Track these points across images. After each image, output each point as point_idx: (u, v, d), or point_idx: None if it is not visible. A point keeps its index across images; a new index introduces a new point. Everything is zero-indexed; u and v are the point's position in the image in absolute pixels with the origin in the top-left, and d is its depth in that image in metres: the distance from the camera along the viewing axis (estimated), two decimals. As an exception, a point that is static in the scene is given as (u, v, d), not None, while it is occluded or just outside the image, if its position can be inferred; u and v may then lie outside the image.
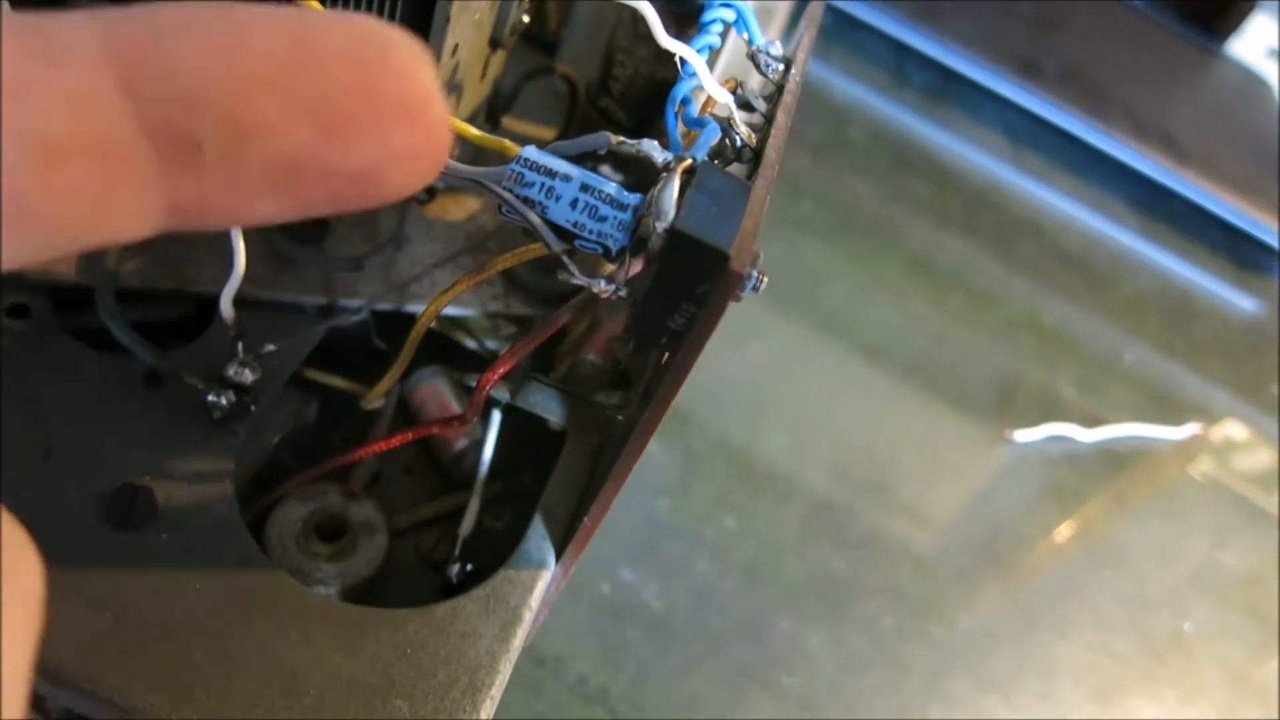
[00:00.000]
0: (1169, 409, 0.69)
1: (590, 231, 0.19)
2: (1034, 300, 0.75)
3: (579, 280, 0.19)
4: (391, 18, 0.24)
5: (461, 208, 0.32)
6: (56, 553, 0.21)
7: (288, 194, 0.12)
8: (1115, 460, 0.64)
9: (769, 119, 0.23)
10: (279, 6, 0.12)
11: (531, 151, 0.19)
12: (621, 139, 0.20)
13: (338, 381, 0.28)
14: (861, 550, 0.51)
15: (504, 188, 0.19)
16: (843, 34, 0.91)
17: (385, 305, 0.29)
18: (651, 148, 0.19)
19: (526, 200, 0.19)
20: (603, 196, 0.19)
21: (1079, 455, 0.63)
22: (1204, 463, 0.67)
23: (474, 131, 0.22)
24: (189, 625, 0.21)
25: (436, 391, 0.29)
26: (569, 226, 0.19)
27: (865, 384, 0.62)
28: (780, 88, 0.25)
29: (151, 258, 0.27)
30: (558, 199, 0.19)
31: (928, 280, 0.73)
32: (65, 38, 0.11)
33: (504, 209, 0.19)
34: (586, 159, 0.21)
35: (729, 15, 0.26)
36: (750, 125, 0.24)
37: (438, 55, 0.24)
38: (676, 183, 0.18)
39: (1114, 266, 0.82)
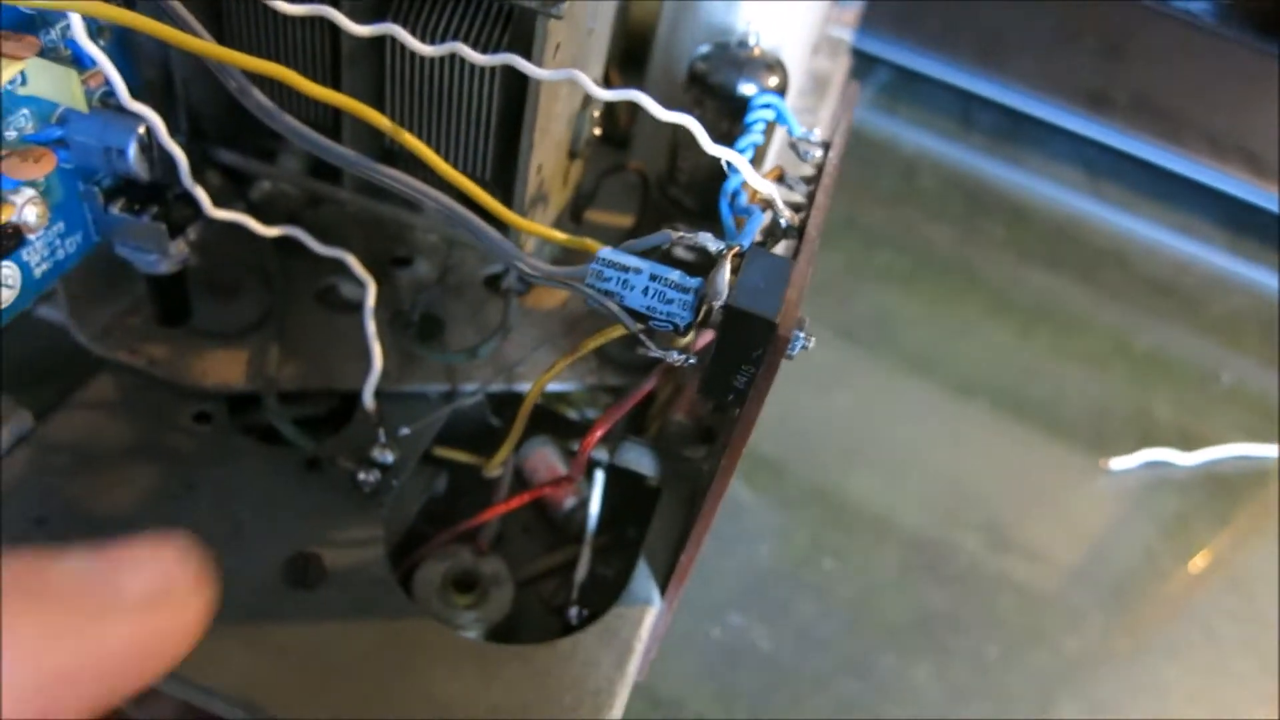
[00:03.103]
0: (1273, 426, 0.69)
1: (660, 312, 0.23)
2: (1123, 328, 0.75)
3: (655, 353, 0.23)
4: (482, 142, 0.29)
5: (554, 296, 0.37)
6: (248, 610, 0.26)
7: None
8: (1219, 481, 0.64)
9: (810, 199, 0.27)
10: None
11: (607, 252, 0.23)
12: (681, 234, 0.24)
13: (462, 456, 0.32)
14: (960, 584, 0.53)
15: (587, 284, 0.23)
16: (906, 88, 0.95)
17: (497, 387, 0.33)
18: (706, 239, 0.23)
19: (606, 293, 0.23)
20: (669, 283, 0.23)
21: (1180, 479, 0.63)
22: (1314, 477, 0.66)
23: (560, 236, 0.26)
24: (356, 666, 0.25)
25: (545, 458, 0.33)
26: (644, 310, 0.23)
27: (954, 422, 0.64)
28: (820, 170, 0.29)
29: (304, 364, 0.32)
30: (631, 288, 0.23)
31: (1011, 316, 0.74)
32: None
33: (589, 300, 0.23)
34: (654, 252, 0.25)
35: (769, 115, 0.30)
36: (795, 205, 0.28)
37: (525, 175, 0.29)
38: (728, 267, 0.22)
39: (1205, 287, 0.82)
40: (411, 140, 0.25)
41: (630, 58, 0.47)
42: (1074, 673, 0.50)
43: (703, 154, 0.37)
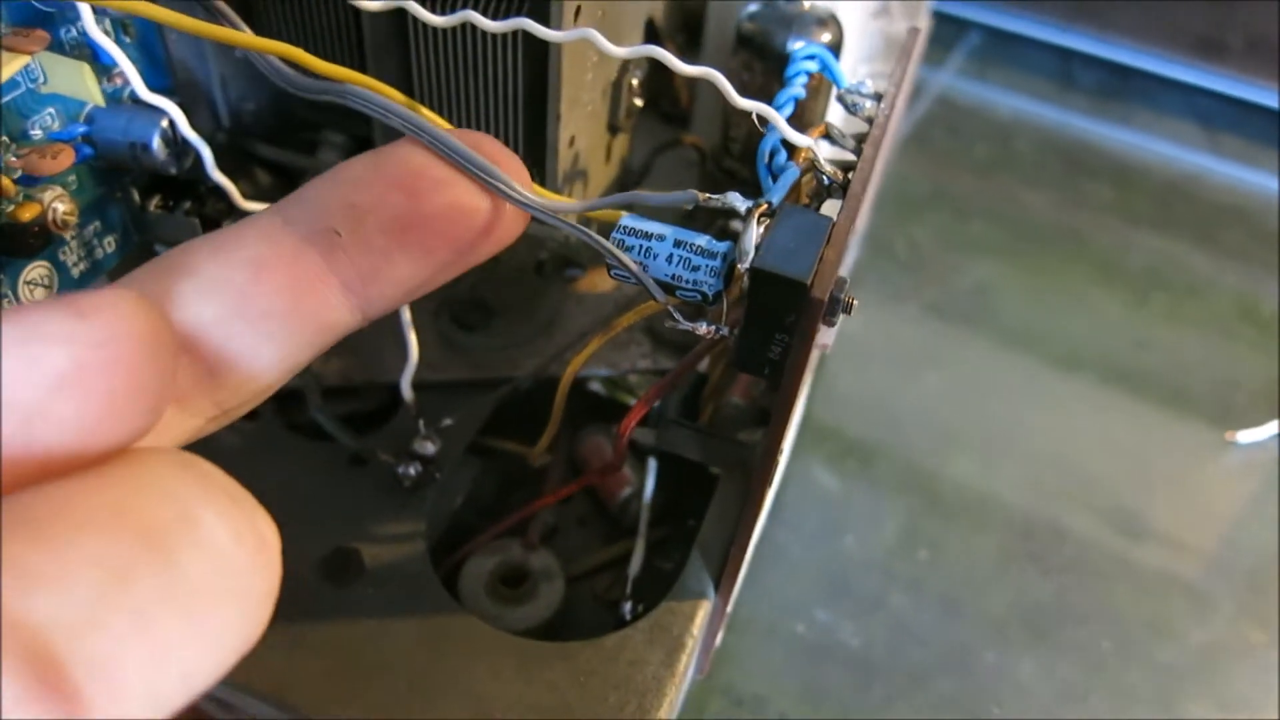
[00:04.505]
0: None
1: (687, 281, 0.21)
2: (1247, 290, 0.69)
3: (684, 326, 0.21)
4: (511, 118, 0.28)
5: (608, 280, 0.35)
6: (283, 607, 0.25)
7: (409, 246, 0.18)
8: (1365, 453, 0.58)
9: (858, 154, 0.25)
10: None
11: (628, 219, 0.22)
12: (709, 195, 0.22)
13: (509, 445, 0.31)
14: (1069, 574, 0.49)
15: (607, 243, 0.21)
16: (998, 50, 0.89)
17: (545, 375, 0.32)
18: (734, 199, 0.21)
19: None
20: (694, 249, 0.21)
21: (1319, 451, 0.58)
22: None
23: (573, 202, 0.24)
24: (394, 664, 0.24)
25: (599, 446, 0.32)
26: (669, 280, 0.21)
27: (1060, 398, 0.60)
28: (871, 123, 0.26)
29: (347, 359, 0.32)
30: (655, 257, 0.21)
31: (1121, 284, 0.69)
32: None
33: (612, 271, 0.22)
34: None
35: (813, 65, 0.28)
36: (845, 165, 0.25)
37: (555, 149, 0.27)
38: (754, 225, 0.20)
39: (1341, 241, 0.75)
40: (429, 114, 0.24)
41: (688, 29, 0.45)
42: (1201, 668, 0.46)
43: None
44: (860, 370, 0.60)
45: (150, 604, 0.11)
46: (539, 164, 0.28)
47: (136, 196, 0.28)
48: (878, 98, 0.28)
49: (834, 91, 0.35)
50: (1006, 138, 0.81)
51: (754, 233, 0.20)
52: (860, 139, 0.26)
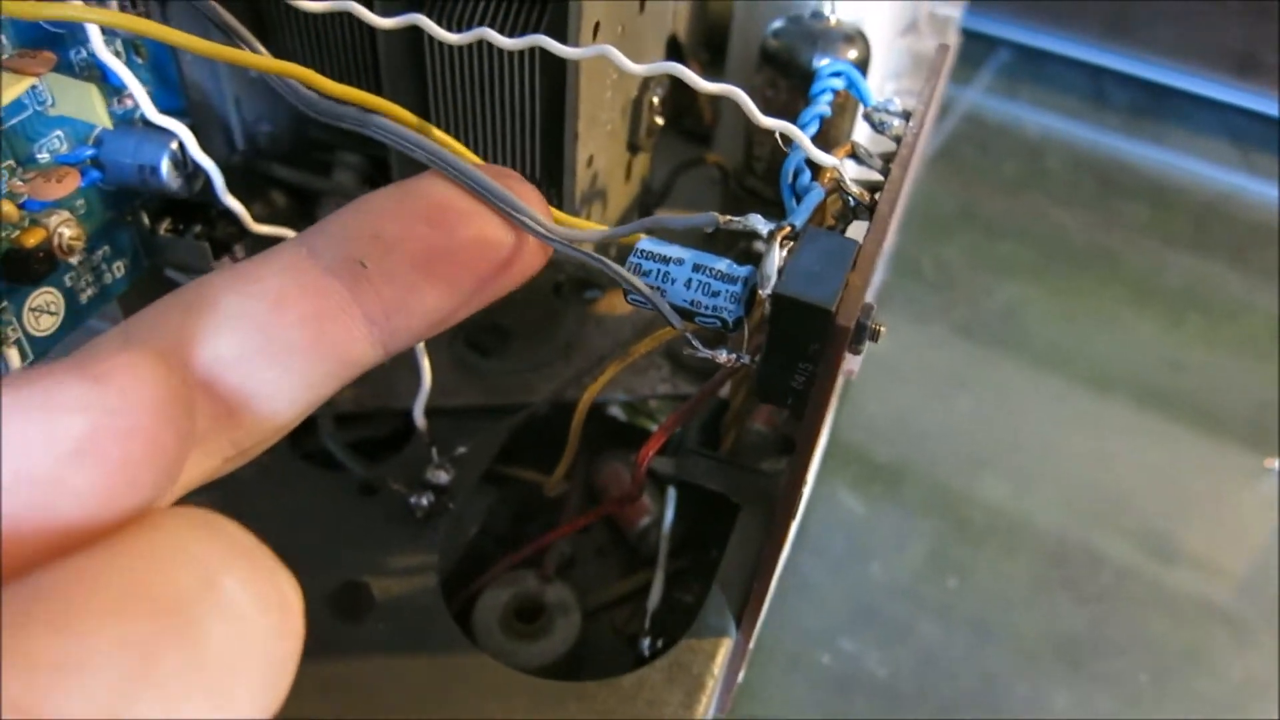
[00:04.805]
0: None
1: (706, 307, 0.20)
2: (1285, 311, 0.68)
3: (703, 354, 0.20)
4: (529, 137, 0.27)
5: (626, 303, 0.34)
6: (295, 646, 0.24)
7: (436, 278, 0.17)
8: None
9: (885, 174, 0.24)
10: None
11: (646, 243, 0.21)
12: (729, 218, 0.21)
13: (525, 473, 0.30)
14: (1104, 602, 0.47)
15: (625, 271, 0.21)
16: (1028, 67, 0.88)
17: (562, 400, 0.31)
18: (756, 221, 0.20)
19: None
20: (714, 273, 0.20)
21: (1363, 478, 0.56)
22: None
23: (596, 226, 0.24)
24: (399, 704, 0.23)
25: (617, 473, 0.31)
26: (687, 305, 0.20)
27: (1092, 420, 0.59)
28: (899, 142, 0.25)
29: (360, 384, 0.31)
30: (673, 282, 0.20)
31: (1156, 305, 0.68)
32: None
33: (629, 296, 0.21)
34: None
35: (839, 83, 0.27)
36: (872, 185, 0.24)
37: (573, 169, 0.27)
38: (776, 249, 0.19)
39: (1383, 262, 0.73)
40: (441, 136, 0.23)
41: (712, 47, 0.44)
42: (1241, 702, 0.44)
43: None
44: (887, 392, 0.59)
45: (175, 682, 0.11)
46: (556, 184, 0.28)
47: (146, 220, 0.27)
48: (906, 116, 0.27)
49: (860, 110, 0.34)
50: (1037, 156, 0.79)
51: (776, 257, 0.19)
52: (888, 158, 0.25)
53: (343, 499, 0.28)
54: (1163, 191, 0.78)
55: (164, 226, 0.27)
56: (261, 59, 0.22)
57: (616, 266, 0.21)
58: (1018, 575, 0.48)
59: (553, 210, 0.24)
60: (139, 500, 0.12)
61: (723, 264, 0.20)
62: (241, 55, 0.22)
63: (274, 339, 0.16)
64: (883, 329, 0.20)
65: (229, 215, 0.27)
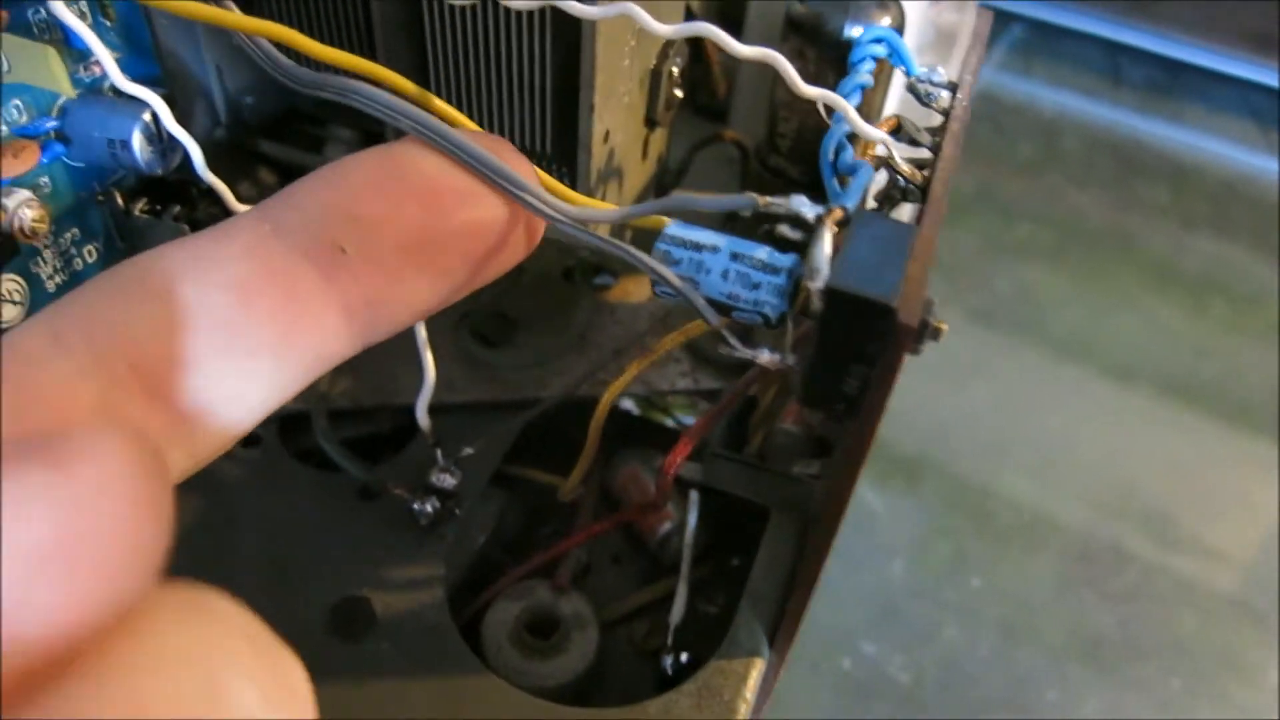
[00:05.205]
0: None
1: (746, 301, 0.18)
2: (1311, 296, 0.66)
3: (742, 353, 0.18)
4: (539, 110, 0.25)
5: (642, 288, 0.32)
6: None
7: (425, 265, 0.15)
8: None
9: (936, 151, 0.22)
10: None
11: (675, 228, 0.19)
12: (769, 199, 0.19)
13: (538, 475, 0.28)
14: (1133, 602, 0.45)
15: (651, 260, 0.18)
16: (1043, 43, 0.86)
17: (576, 395, 0.29)
18: (800, 203, 0.18)
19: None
20: (754, 263, 0.18)
21: (1396, 468, 0.54)
22: None
23: (612, 208, 0.21)
24: (406, 734, 0.21)
25: (636, 475, 0.29)
26: (724, 299, 0.18)
27: (1116, 410, 0.57)
28: (946, 115, 0.23)
29: (358, 379, 0.29)
30: (708, 272, 0.18)
31: (1177, 289, 0.66)
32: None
33: (657, 288, 0.19)
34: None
35: (880, 50, 0.24)
36: (916, 162, 0.22)
37: (588, 144, 0.24)
38: (828, 236, 0.17)
39: None
40: (442, 106, 0.21)
41: (727, 18, 0.42)
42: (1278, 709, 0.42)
43: (808, 113, 0.33)
44: (903, 380, 0.56)
45: None
46: (569, 161, 0.25)
47: (120, 200, 0.25)
48: (952, 88, 0.24)
49: (899, 79, 0.32)
50: (1053, 136, 0.77)
51: (827, 245, 0.17)
52: (935, 132, 0.23)
53: (340, 504, 0.26)
54: (1183, 171, 0.76)
55: (139, 207, 0.25)
56: (234, 16, 0.20)
57: (643, 255, 0.18)
58: (1042, 573, 0.46)
59: (564, 189, 0.21)
60: (120, 604, 0.10)
61: (762, 252, 0.18)
62: (217, 13, 0.20)
63: (237, 337, 0.14)
64: (945, 327, 0.18)
65: (211, 194, 0.24)
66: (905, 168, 0.21)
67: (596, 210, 0.19)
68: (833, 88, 0.31)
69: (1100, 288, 0.65)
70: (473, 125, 0.21)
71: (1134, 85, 0.83)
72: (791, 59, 0.31)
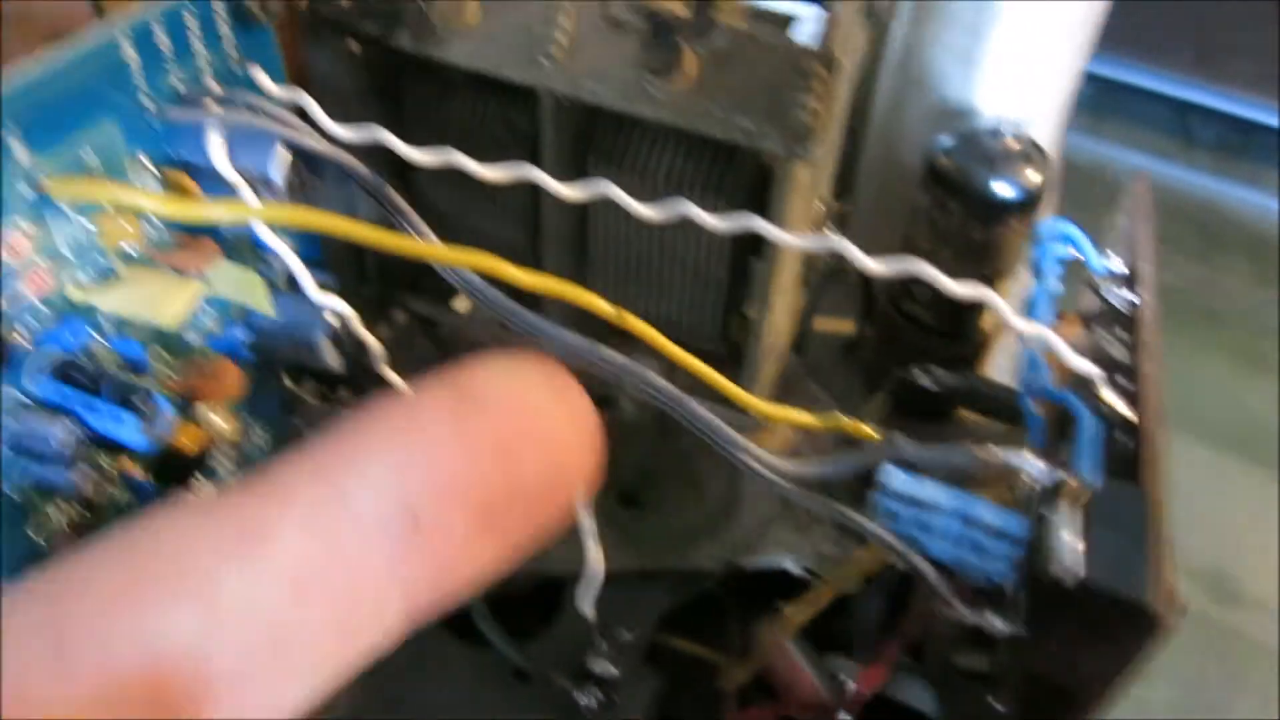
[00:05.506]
0: None
1: (973, 566, 0.18)
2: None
3: (974, 620, 0.18)
4: (709, 307, 0.25)
5: (775, 438, 0.32)
6: None
7: (491, 530, 0.14)
8: None
9: (1133, 373, 0.21)
10: None
11: (897, 480, 0.18)
12: (988, 456, 0.18)
13: (694, 649, 0.28)
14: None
15: (875, 524, 0.18)
16: (1110, 101, 0.84)
17: (732, 565, 0.28)
18: (1030, 465, 0.18)
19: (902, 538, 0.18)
20: (983, 528, 0.18)
21: None
22: None
23: (813, 421, 0.21)
24: None
25: (796, 668, 0.28)
26: (950, 562, 0.18)
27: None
28: (1132, 320, 0.23)
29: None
30: (932, 532, 0.18)
31: (1266, 369, 0.64)
32: None
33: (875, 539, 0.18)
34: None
35: (1065, 251, 0.24)
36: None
37: (758, 338, 0.24)
38: (1068, 514, 0.17)
39: None
40: (634, 323, 0.21)
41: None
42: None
43: (950, 261, 0.32)
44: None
45: None
46: (735, 357, 0.25)
47: (288, 381, 0.25)
48: (1130, 281, 0.24)
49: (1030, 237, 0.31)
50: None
51: (1073, 529, 0.17)
52: (1128, 343, 0.22)
53: (496, 685, 0.26)
54: (1262, 238, 0.75)
55: (308, 391, 0.25)
56: (438, 250, 0.20)
57: (861, 518, 0.18)
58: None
59: (745, 396, 0.21)
60: None
61: (991, 514, 0.18)
62: (417, 246, 0.20)
63: (285, 642, 0.12)
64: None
65: (382, 381, 0.24)
66: (1120, 405, 0.20)
67: (810, 465, 0.19)
68: (979, 242, 0.31)
69: (1181, 365, 0.64)
70: (670, 345, 0.21)
71: (1206, 146, 0.82)
72: (933, 208, 0.31)
